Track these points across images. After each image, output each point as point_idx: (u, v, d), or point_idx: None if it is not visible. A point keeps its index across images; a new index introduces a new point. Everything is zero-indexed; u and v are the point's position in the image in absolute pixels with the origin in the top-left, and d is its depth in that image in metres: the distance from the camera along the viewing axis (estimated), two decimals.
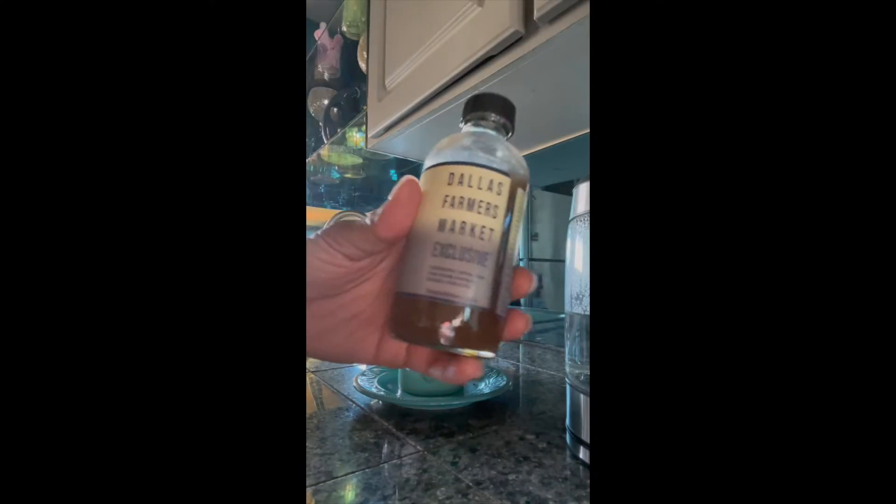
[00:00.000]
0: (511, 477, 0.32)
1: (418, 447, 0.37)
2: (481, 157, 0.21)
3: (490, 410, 0.46)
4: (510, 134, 0.23)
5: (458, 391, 0.49)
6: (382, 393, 0.47)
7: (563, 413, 0.44)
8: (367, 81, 0.78)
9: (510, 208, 0.21)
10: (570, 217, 0.37)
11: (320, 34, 1.23)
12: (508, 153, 0.22)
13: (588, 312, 0.34)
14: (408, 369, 0.49)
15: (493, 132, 0.23)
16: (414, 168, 1.08)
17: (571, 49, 0.44)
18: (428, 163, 0.22)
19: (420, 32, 0.60)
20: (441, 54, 0.56)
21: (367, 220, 0.21)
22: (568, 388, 0.37)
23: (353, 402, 0.49)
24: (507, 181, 0.21)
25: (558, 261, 0.97)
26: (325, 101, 1.22)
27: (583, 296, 0.35)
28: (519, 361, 0.73)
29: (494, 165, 0.21)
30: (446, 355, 0.22)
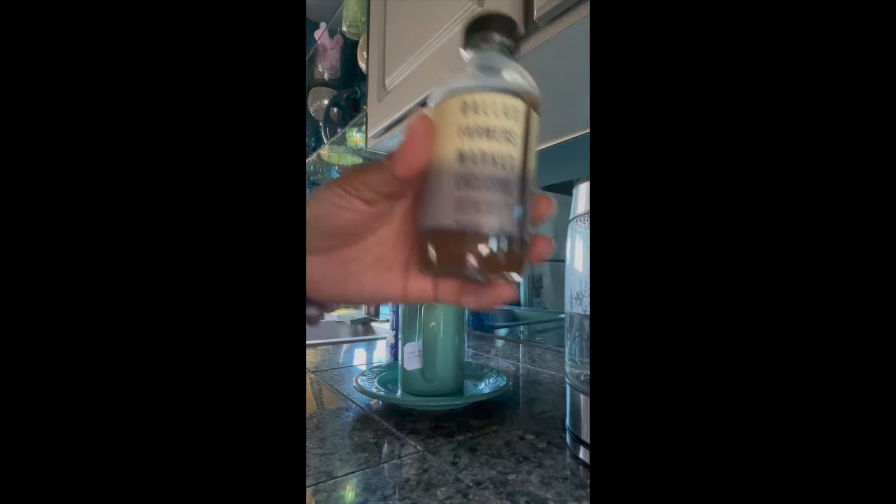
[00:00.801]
0: (511, 477, 0.32)
1: (418, 447, 0.37)
2: (492, 82, 0.20)
3: (490, 410, 0.46)
4: (516, 55, 0.22)
5: (458, 391, 0.49)
6: (382, 393, 0.47)
7: (563, 413, 0.44)
8: (367, 81, 0.78)
9: (527, 132, 0.20)
10: (570, 217, 0.37)
11: (320, 34, 1.23)
12: (518, 74, 0.21)
13: (588, 312, 0.34)
14: (406, 369, 0.49)
15: (498, 54, 0.22)
16: None
17: (571, 49, 0.44)
18: (435, 97, 0.21)
19: (420, 32, 0.60)
20: (441, 54, 0.56)
21: (382, 162, 0.20)
22: (568, 388, 0.37)
23: (353, 402, 0.49)
24: (521, 105, 0.20)
25: (558, 261, 0.97)
26: (325, 101, 1.22)
27: (583, 296, 0.35)
28: (519, 361, 0.73)
29: (506, 88, 0.20)
30: (475, 284, 0.23)
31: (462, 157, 0.19)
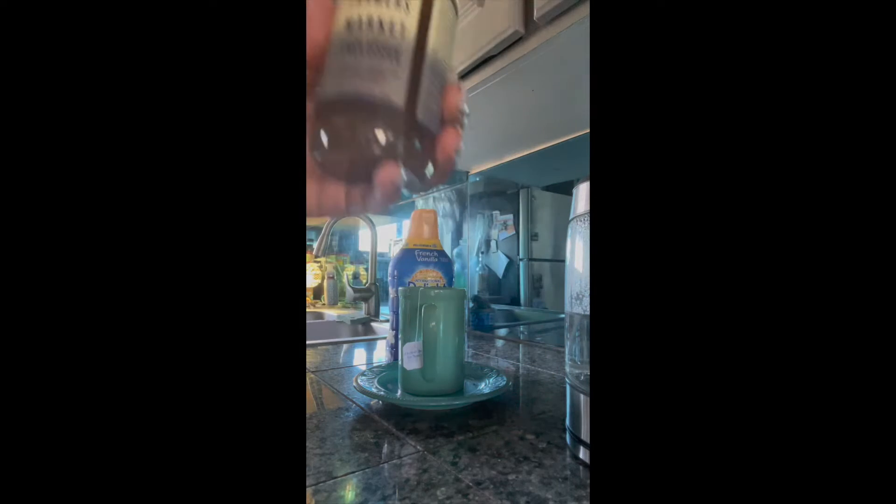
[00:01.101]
0: (511, 477, 0.32)
1: (418, 447, 0.37)
2: None
3: (490, 410, 0.46)
4: None
5: (458, 391, 0.49)
6: (382, 393, 0.47)
7: (563, 413, 0.44)
8: None
9: (429, 6, 0.19)
10: (570, 217, 0.37)
11: None
12: None
13: (588, 312, 0.34)
14: (406, 369, 0.49)
15: None
16: None
17: (571, 49, 0.44)
18: None
19: None
20: None
21: None
22: (568, 388, 0.37)
23: (353, 402, 0.49)
24: None
25: (558, 261, 0.97)
26: None
27: (583, 296, 0.35)
28: (519, 361, 0.73)
29: None
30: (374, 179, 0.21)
31: (349, 24, 0.19)
